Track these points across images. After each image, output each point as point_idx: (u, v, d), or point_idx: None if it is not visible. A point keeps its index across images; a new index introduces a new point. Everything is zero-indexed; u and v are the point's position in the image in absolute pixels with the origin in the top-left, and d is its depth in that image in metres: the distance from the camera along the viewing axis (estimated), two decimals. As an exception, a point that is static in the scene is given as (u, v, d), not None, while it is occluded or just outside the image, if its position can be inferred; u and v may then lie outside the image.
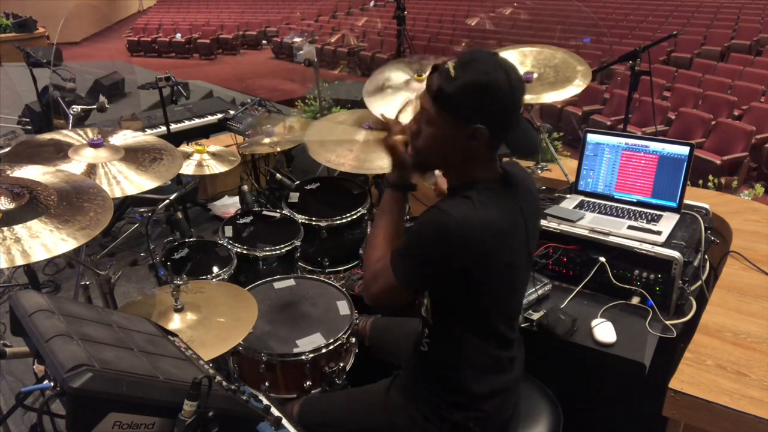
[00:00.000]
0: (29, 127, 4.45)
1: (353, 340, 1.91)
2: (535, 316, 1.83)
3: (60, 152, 1.86)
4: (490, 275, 1.26)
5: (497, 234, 1.23)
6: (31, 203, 1.42)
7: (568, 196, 2.26)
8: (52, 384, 0.88)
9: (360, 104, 2.53)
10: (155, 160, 1.92)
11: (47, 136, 1.97)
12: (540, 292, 1.93)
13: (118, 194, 1.74)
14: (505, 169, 1.34)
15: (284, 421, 1.25)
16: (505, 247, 1.26)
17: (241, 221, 2.49)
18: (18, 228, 1.33)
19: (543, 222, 2.03)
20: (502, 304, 1.36)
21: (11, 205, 1.40)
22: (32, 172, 1.59)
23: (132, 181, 1.80)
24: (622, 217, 2.06)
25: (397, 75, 2.60)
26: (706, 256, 2.06)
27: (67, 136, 1.97)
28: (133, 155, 1.92)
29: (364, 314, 2.03)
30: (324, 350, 1.77)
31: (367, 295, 1.36)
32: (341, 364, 1.83)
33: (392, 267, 1.26)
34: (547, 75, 2.43)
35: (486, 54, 1.20)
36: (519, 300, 1.49)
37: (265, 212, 2.57)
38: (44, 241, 1.32)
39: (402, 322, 1.86)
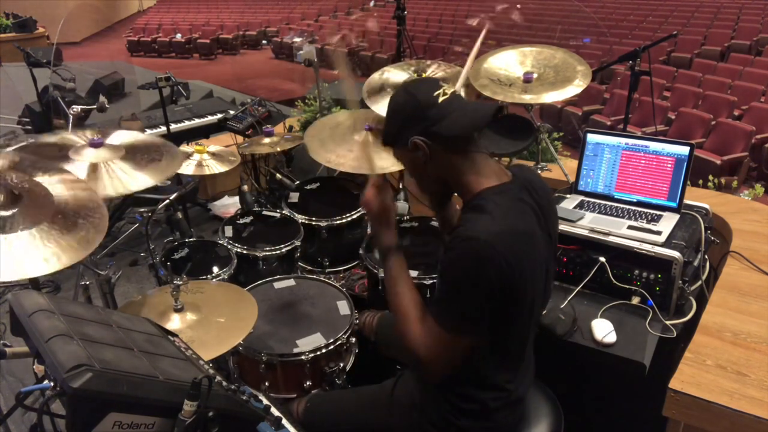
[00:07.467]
0: (29, 127, 4.45)
1: (353, 340, 1.91)
2: (535, 316, 1.83)
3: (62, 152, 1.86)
4: (523, 286, 1.21)
5: (523, 236, 1.21)
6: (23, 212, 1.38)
7: (568, 196, 2.26)
8: (52, 384, 0.88)
9: (360, 104, 2.53)
10: (154, 161, 1.92)
11: (51, 138, 1.96)
12: (540, 292, 1.93)
13: (121, 191, 1.74)
14: (516, 174, 1.33)
15: (284, 421, 1.26)
16: (532, 251, 1.23)
17: (241, 221, 2.49)
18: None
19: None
20: (528, 316, 1.30)
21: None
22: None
23: (134, 178, 1.79)
24: (622, 217, 2.05)
25: (396, 75, 2.60)
26: (706, 256, 2.06)
27: (69, 140, 1.96)
28: (133, 154, 1.92)
29: (373, 309, 2.02)
30: (324, 350, 1.76)
31: (431, 373, 1.28)
32: (341, 364, 1.83)
33: (441, 324, 1.21)
34: (547, 75, 2.43)
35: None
36: (539, 312, 1.42)
37: (265, 212, 2.57)
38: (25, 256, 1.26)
39: None
